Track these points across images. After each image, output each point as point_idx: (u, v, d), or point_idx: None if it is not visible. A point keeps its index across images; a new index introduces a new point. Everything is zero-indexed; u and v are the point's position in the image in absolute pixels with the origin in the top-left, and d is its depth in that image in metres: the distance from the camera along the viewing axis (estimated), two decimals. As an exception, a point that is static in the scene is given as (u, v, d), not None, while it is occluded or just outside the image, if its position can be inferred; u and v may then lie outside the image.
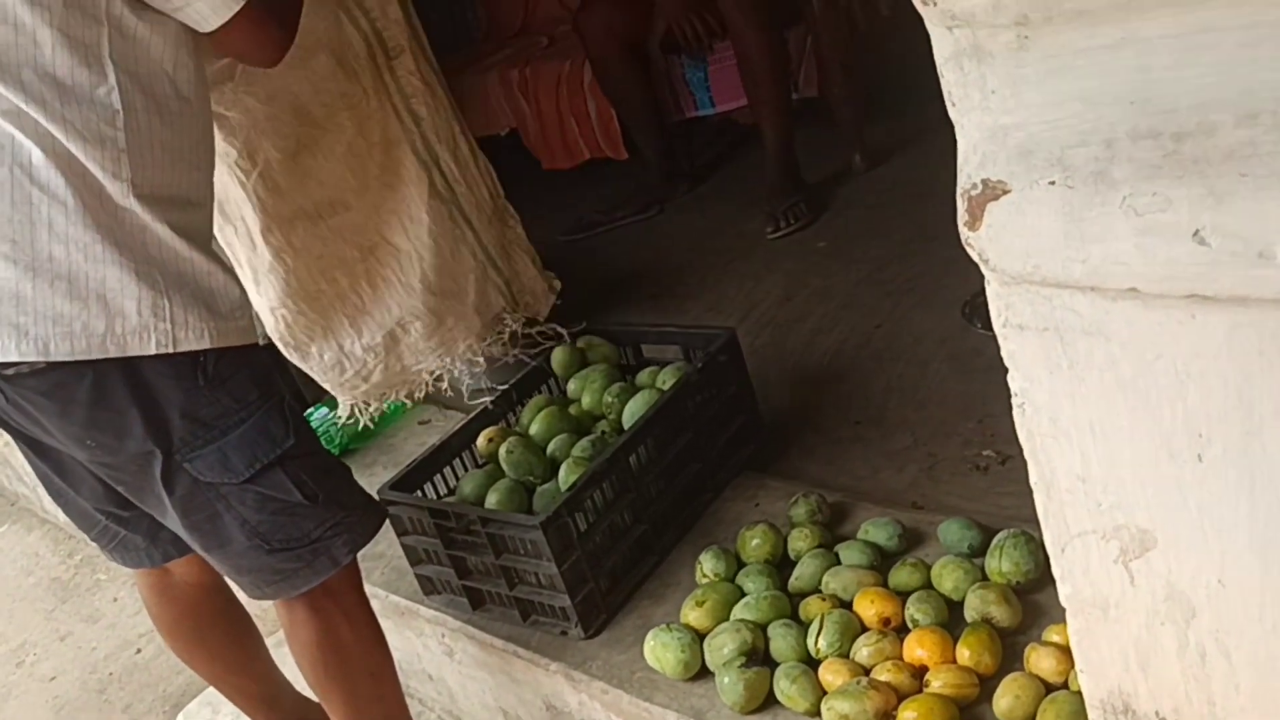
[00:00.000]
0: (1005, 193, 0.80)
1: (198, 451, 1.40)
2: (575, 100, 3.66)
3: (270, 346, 1.53)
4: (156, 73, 1.36)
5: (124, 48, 1.32)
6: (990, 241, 0.83)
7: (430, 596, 1.93)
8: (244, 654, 1.87)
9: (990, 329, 2.47)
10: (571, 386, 2.08)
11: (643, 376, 2.05)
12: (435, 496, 1.92)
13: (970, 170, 0.83)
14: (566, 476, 1.79)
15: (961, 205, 0.84)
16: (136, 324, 1.31)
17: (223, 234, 1.89)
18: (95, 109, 1.30)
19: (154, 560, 1.68)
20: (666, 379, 1.97)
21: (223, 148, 1.76)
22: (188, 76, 1.40)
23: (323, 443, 2.44)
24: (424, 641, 2.01)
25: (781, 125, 3.01)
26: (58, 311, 1.29)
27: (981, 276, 2.67)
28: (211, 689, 2.37)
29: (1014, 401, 0.93)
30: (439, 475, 1.94)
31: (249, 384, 1.43)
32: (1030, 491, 1.80)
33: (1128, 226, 0.75)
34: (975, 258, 0.86)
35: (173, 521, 1.48)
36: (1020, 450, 1.98)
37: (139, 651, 2.86)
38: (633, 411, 1.89)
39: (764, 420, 2.07)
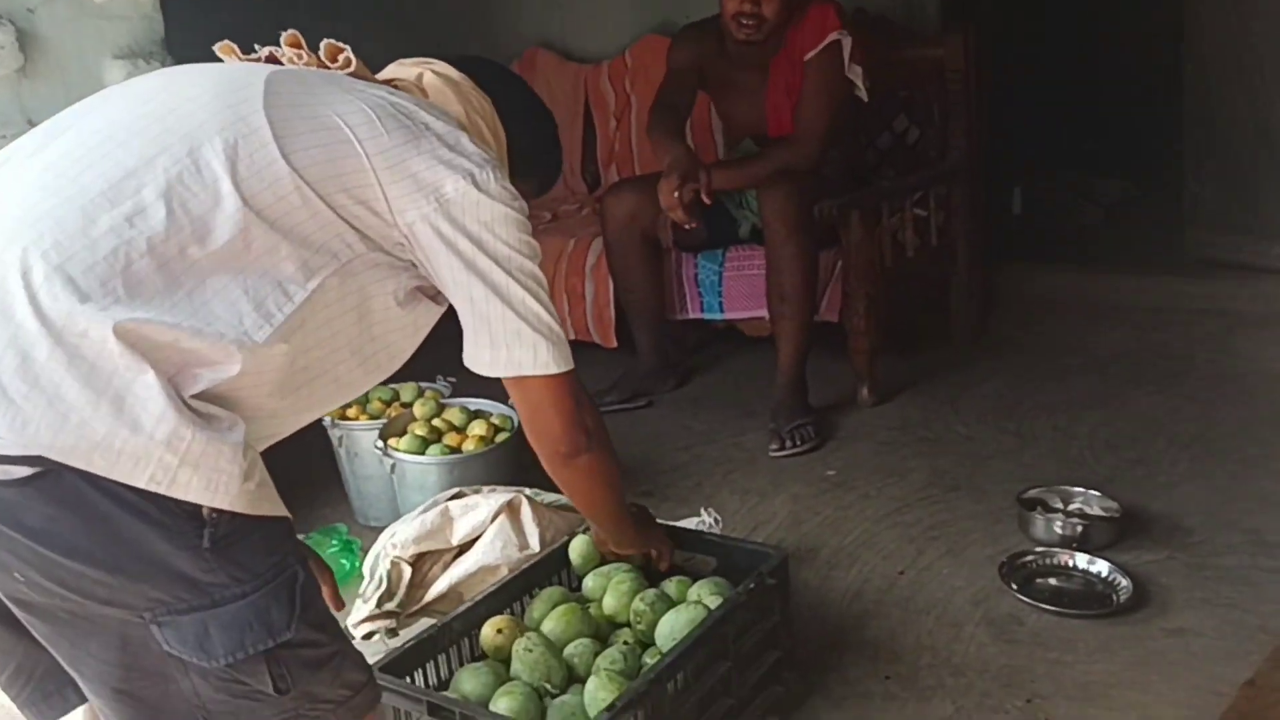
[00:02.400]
0: None
1: (173, 617, 1.09)
2: (573, 280, 3.54)
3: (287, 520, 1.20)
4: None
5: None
6: None
7: (392, 808, 1.62)
8: None
9: (1030, 596, 2.28)
10: (590, 584, 1.85)
11: (671, 586, 1.83)
12: (424, 685, 1.64)
13: None
14: (596, 693, 1.54)
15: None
16: (140, 444, 1.01)
17: None
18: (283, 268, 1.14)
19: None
20: (705, 595, 1.75)
21: None
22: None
23: (334, 571, 2.18)
24: None
25: (800, 343, 2.92)
26: (60, 392, 1.01)
27: (1019, 537, 2.52)
28: None
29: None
30: (431, 662, 1.66)
31: (262, 551, 1.12)
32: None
33: None
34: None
35: (92, 677, 1.15)
36: (1087, 747, 1.77)
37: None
38: (673, 630, 1.65)
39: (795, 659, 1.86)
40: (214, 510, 1.05)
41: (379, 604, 1.94)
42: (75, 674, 1.17)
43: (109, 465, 1.00)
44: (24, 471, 0.99)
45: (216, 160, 1.12)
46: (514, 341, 1.29)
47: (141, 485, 1.01)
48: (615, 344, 3.47)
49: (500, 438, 2.49)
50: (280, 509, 1.13)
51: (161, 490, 1.01)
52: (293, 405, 1.22)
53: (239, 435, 1.07)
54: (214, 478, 1.04)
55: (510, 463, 2.48)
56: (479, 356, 1.30)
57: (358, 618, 1.96)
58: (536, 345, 1.29)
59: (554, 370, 1.32)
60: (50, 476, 0.99)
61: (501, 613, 1.76)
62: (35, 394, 1.00)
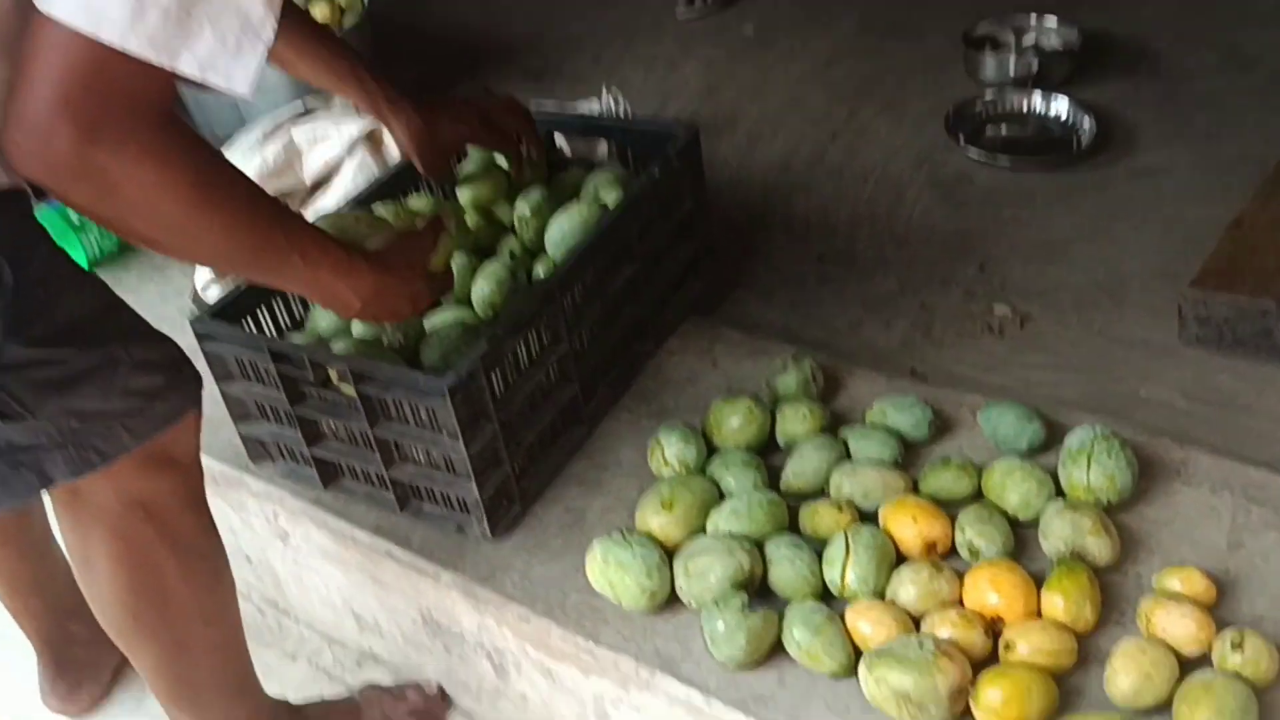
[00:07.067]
0: None
1: None
2: None
3: (15, 193, 0.88)
4: None
5: None
6: None
7: (259, 463, 1.40)
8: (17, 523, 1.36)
9: (981, 148, 1.95)
10: (463, 184, 1.53)
11: (564, 179, 1.52)
12: (272, 330, 1.37)
13: None
14: (484, 313, 1.28)
15: None
16: None
17: None
18: None
19: None
20: (603, 188, 1.45)
21: None
22: None
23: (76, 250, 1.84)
24: (245, 518, 1.48)
25: None
26: None
27: (965, 84, 2.13)
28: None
29: None
30: (276, 301, 1.38)
31: None
32: (1074, 368, 1.42)
33: None
34: None
35: None
36: (1044, 310, 1.57)
37: None
38: (565, 235, 1.36)
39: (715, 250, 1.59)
40: None
41: None
42: None
43: None
44: None
45: None
46: None
47: None
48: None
49: (348, 21, 2.06)
50: None
51: None
52: None
53: None
54: None
55: (362, 51, 2.06)
56: None
57: (204, 278, 1.65)
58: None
59: (132, 50, 0.76)
60: None
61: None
62: None
